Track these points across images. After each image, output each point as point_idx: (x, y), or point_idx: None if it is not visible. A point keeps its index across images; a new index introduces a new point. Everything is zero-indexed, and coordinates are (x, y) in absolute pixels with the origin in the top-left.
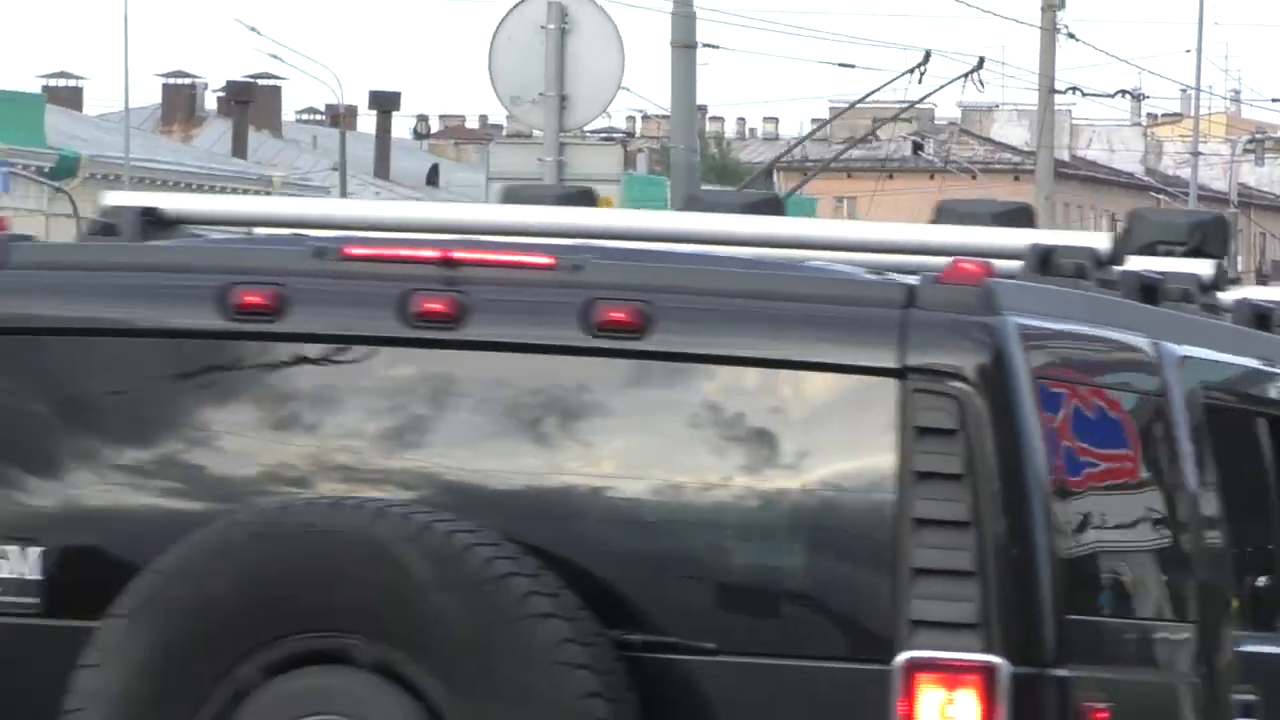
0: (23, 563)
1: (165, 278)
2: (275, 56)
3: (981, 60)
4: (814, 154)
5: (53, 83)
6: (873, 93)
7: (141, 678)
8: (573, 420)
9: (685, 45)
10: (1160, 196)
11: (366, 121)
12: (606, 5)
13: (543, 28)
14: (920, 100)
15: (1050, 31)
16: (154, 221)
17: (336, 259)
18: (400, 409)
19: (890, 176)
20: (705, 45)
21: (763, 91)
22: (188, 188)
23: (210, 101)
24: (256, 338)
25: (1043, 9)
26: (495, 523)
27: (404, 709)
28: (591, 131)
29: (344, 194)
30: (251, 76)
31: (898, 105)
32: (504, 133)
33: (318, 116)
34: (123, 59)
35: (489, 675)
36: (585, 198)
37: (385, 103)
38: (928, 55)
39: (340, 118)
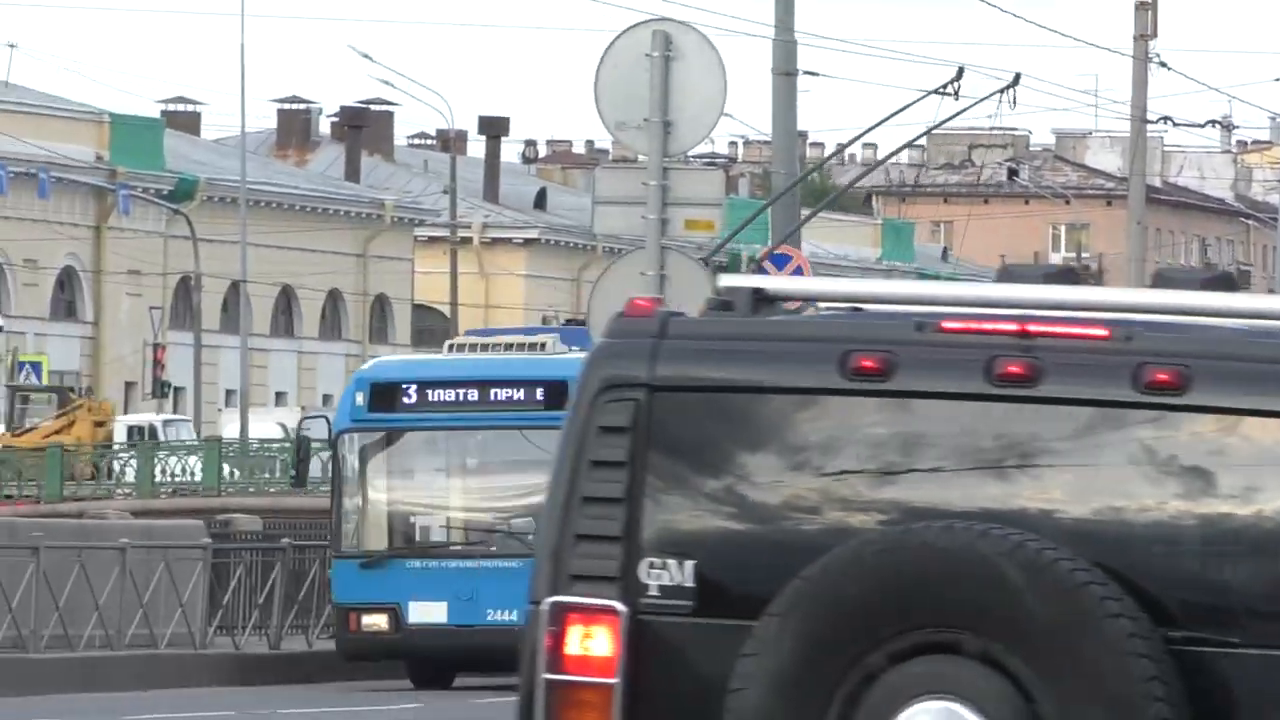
0: (679, 573)
1: (793, 346)
2: (387, 83)
3: (1017, 76)
4: (912, 179)
5: (172, 108)
6: (900, 110)
7: (791, 663)
8: (1124, 460)
9: (786, 73)
10: (1250, 222)
11: (476, 146)
12: (710, 33)
13: (648, 55)
14: (952, 118)
15: (1142, 61)
16: (762, 299)
17: (934, 331)
18: (986, 453)
19: (986, 201)
20: (806, 73)
21: (861, 117)
22: (302, 210)
23: (324, 126)
24: (869, 394)
25: (1135, 39)
26: (1067, 542)
27: (1002, 690)
28: (694, 156)
29: (453, 216)
30: (364, 102)
31: (991, 132)
32: (609, 157)
33: (429, 141)
34: (239, 85)
35: (1072, 663)
36: (1069, 275)
37: (495, 128)
38: (960, 71)
39: (451, 142)
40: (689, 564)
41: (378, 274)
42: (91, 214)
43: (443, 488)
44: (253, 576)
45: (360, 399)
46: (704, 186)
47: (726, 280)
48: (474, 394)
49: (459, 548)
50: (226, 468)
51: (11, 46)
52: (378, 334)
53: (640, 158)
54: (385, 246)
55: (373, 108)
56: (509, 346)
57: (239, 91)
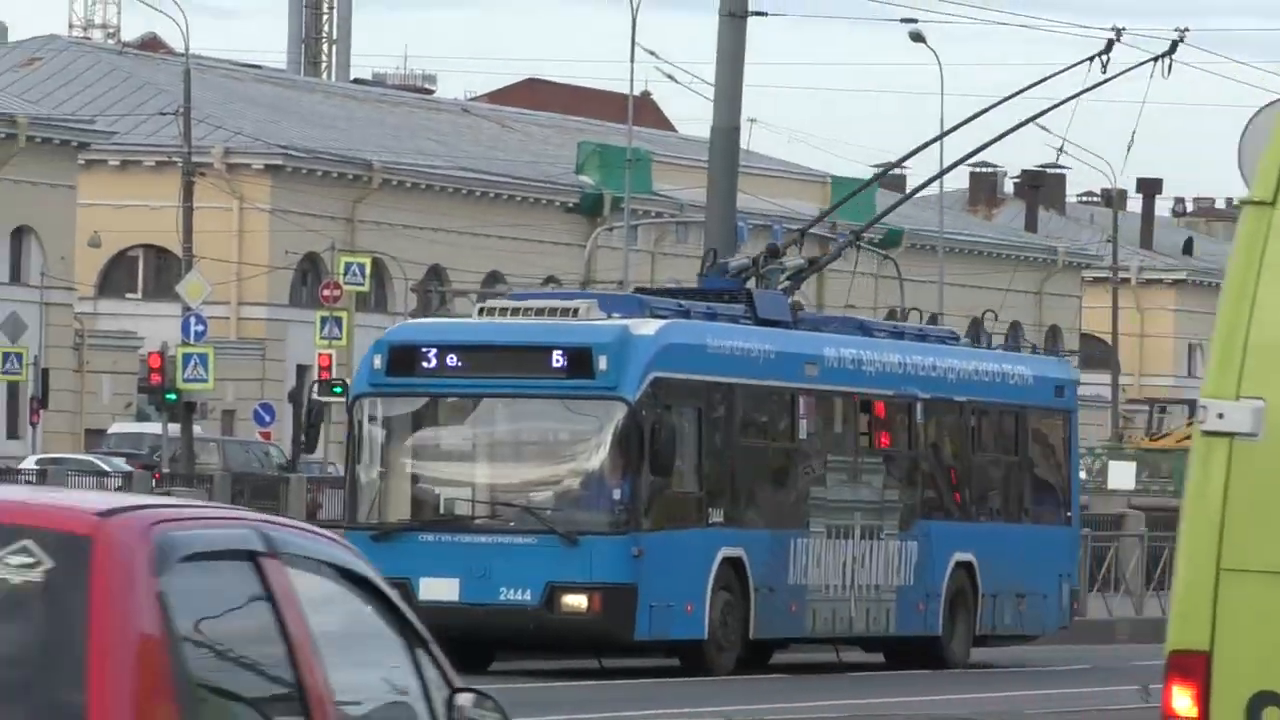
0: None
1: None
2: (1061, 150)
3: (1174, 44)
4: None
5: (882, 170)
6: (1047, 79)
7: None
8: None
9: None
10: None
11: (1134, 202)
12: None
13: None
14: (1099, 84)
15: None
16: None
17: None
18: None
19: None
20: None
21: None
22: (988, 256)
23: (1008, 186)
24: None
25: None
26: None
27: None
28: None
29: (1115, 261)
30: (1041, 166)
31: None
32: None
33: (1094, 198)
34: (939, 152)
35: None
36: None
37: (1150, 187)
38: (1111, 42)
39: (1113, 199)
40: None
41: (1051, 308)
42: None
43: (459, 457)
44: None
45: (378, 362)
46: None
47: None
48: (494, 359)
49: (473, 521)
50: None
51: (751, 121)
52: None
53: None
54: (1057, 286)
55: (1048, 171)
56: (540, 311)
57: (938, 157)
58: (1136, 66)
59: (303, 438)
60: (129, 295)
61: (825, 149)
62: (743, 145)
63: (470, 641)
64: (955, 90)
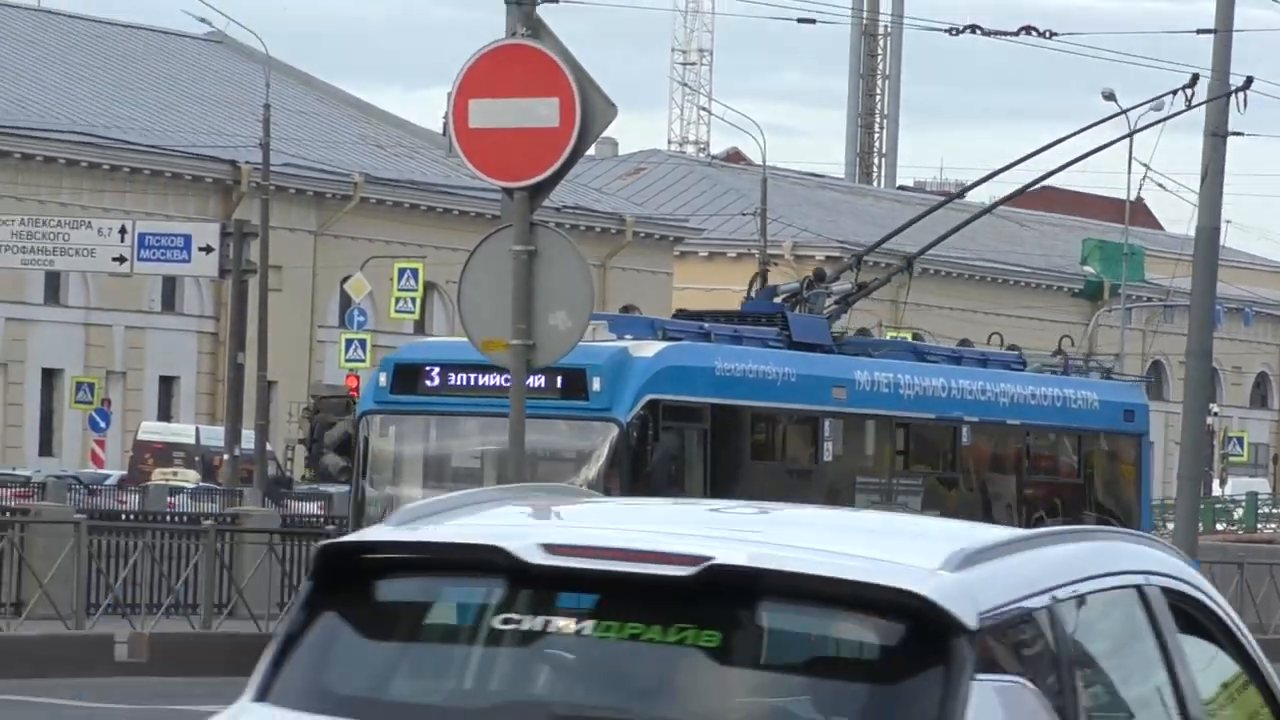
0: None
1: None
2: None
3: (1249, 80)
4: None
5: None
6: (1124, 112)
7: None
8: None
9: None
10: None
11: None
12: None
13: None
14: (1177, 114)
15: None
16: None
17: None
18: None
19: None
20: None
21: None
22: None
23: None
24: None
25: None
26: None
27: None
28: None
29: None
30: None
31: None
32: None
33: None
34: None
35: None
36: None
37: None
38: (1195, 79)
39: None
40: None
41: None
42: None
43: (454, 476)
44: None
45: (383, 380)
46: None
47: None
48: (495, 379)
49: None
50: None
51: (1228, 222)
52: None
53: None
54: None
55: None
56: None
57: None
58: (1210, 100)
59: (306, 453)
60: None
61: None
62: (1221, 242)
63: None
64: None
